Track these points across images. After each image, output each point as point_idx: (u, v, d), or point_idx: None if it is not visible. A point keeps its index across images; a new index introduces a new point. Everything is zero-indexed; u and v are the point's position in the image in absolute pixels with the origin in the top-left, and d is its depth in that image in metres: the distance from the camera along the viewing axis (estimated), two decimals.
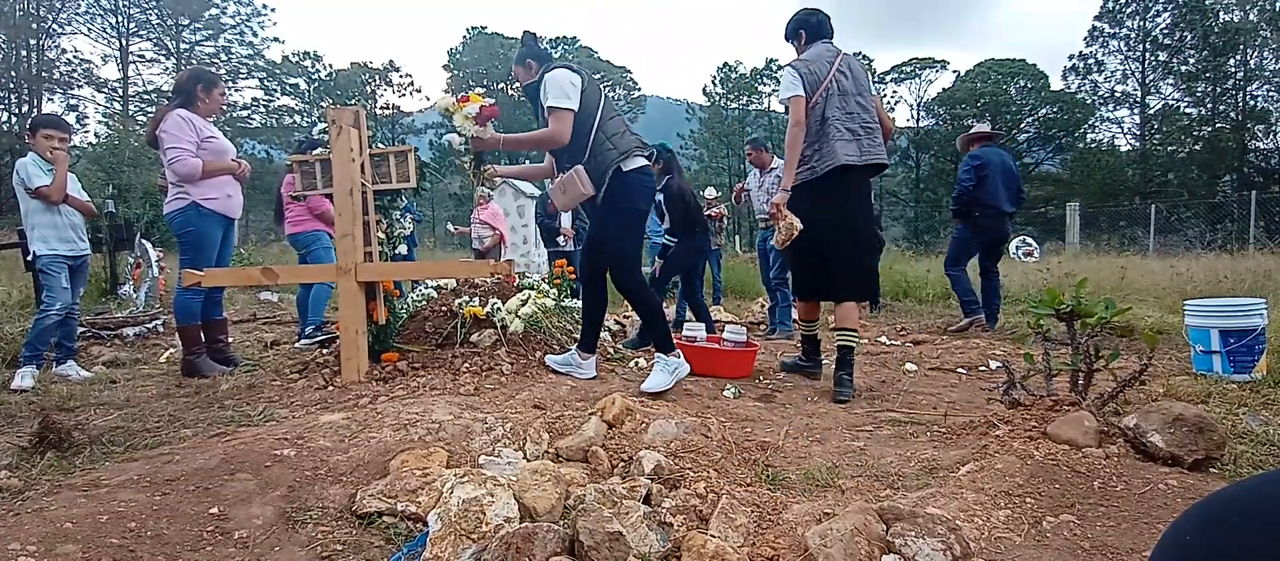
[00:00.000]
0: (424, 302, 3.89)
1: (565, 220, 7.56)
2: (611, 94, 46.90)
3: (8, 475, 1.98)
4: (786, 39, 3.75)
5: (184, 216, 3.74)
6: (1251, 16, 28.90)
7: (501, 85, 42.63)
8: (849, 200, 3.40)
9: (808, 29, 3.59)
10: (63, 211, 3.91)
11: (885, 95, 40.31)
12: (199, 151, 3.71)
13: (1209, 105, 31.31)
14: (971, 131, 6.01)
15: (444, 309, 3.83)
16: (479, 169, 3.26)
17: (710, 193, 8.56)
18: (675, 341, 4.17)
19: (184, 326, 3.85)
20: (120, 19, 31.64)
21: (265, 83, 36.08)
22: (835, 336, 3.46)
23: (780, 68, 40.75)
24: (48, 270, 3.85)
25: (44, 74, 29.45)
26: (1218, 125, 30.83)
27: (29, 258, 3.97)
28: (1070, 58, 34.74)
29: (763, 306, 6.74)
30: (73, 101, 30.62)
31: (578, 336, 3.48)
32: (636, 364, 3.71)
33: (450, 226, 8.69)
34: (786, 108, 3.38)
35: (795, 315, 4.38)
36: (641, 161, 3.17)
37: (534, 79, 3.13)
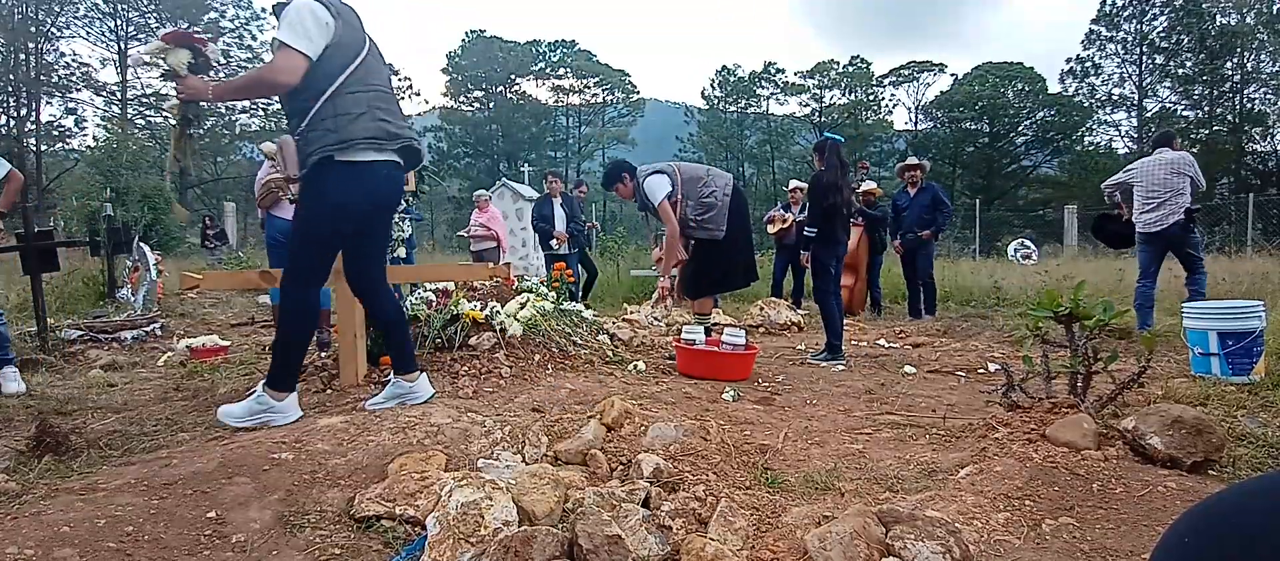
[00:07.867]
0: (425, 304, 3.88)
1: (559, 224, 7.54)
2: (610, 97, 46.30)
3: (5, 479, 1.97)
4: (607, 187, 4.61)
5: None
6: (1248, 20, 28.97)
7: (500, 88, 42.61)
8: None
9: (630, 172, 4.41)
10: None
11: (883, 99, 40.40)
12: None
13: (1206, 108, 31.35)
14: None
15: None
16: (185, 132, 2.49)
17: None
18: (674, 347, 4.15)
19: (322, 309, 4.79)
20: (119, 22, 31.62)
21: None
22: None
23: (778, 70, 40.90)
24: None
25: (42, 77, 29.43)
26: (1215, 128, 30.86)
27: None
28: (1068, 61, 34.77)
29: (761, 309, 6.76)
30: (71, 105, 30.62)
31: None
32: (636, 367, 3.71)
33: (462, 233, 8.77)
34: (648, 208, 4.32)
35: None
36: (375, 156, 2.37)
37: None
